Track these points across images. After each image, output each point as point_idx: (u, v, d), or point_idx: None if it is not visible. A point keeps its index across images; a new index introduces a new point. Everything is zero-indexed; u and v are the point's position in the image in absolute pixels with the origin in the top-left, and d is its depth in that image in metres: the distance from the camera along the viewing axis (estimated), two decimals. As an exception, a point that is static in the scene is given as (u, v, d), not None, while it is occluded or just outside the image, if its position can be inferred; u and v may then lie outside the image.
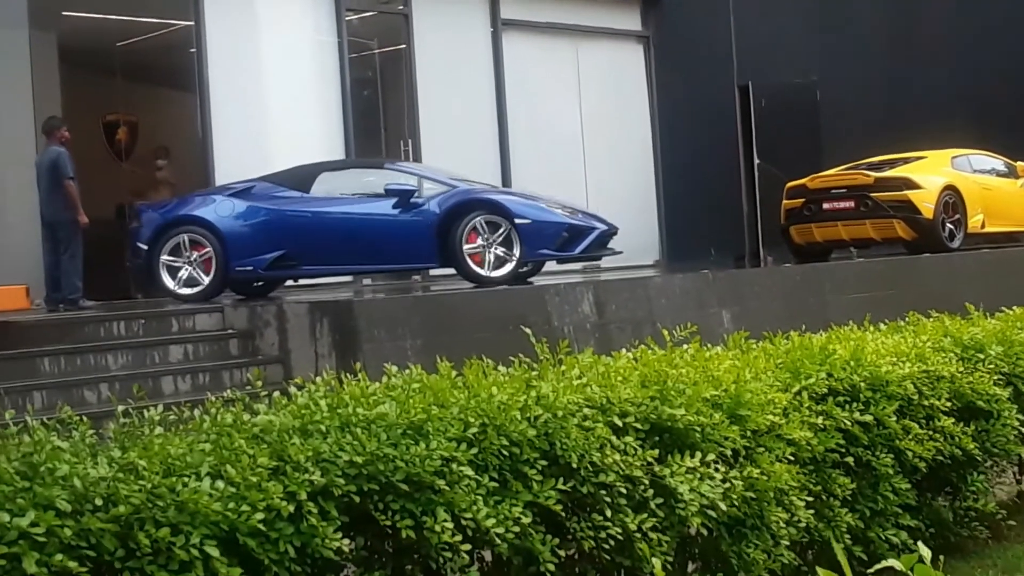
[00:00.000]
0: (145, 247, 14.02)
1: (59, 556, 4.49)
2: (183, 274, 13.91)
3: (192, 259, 13.88)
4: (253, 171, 15.53)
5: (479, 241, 13.65)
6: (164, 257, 13.93)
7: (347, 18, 18.63)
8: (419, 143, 19.20)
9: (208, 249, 13.83)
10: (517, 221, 13.72)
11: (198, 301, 13.42)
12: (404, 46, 19.48)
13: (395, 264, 14.84)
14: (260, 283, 14.69)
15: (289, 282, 15.50)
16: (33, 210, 14.59)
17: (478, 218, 13.69)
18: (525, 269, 14.70)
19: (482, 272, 13.68)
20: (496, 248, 13.69)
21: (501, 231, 13.67)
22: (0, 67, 16.68)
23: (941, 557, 6.85)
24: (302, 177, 14.67)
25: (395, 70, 19.76)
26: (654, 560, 5.18)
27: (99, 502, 4.72)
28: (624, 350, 7.44)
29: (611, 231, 14.66)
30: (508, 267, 13.75)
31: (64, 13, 17.99)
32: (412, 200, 13.96)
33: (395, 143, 19.38)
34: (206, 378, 11.69)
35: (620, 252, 15.22)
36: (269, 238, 13.96)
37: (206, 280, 13.83)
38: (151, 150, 19.95)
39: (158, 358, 11.92)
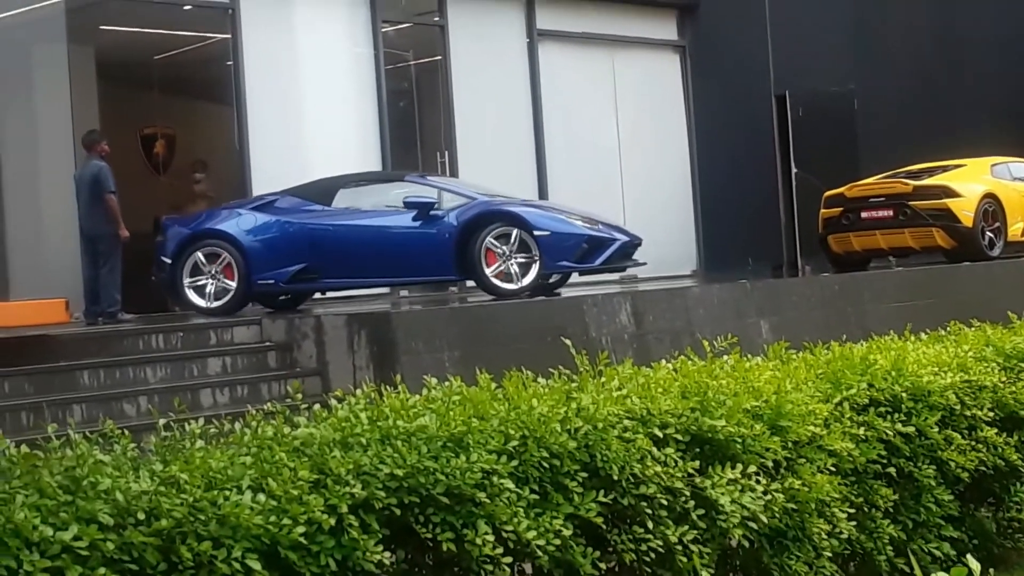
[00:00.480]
0: (169, 261, 14.09)
1: (102, 570, 4.50)
2: (208, 288, 13.99)
3: (215, 272, 13.94)
4: (290, 183, 15.58)
5: (499, 253, 13.63)
6: (187, 272, 14.02)
7: (383, 30, 18.66)
8: (455, 155, 19.22)
9: (230, 262, 13.88)
10: (536, 233, 13.67)
11: (221, 315, 13.47)
12: (440, 57, 19.51)
13: (415, 277, 14.84)
14: (287, 296, 14.72)
15: (319, 295, 15.53)
16: (72, 224, 14.66)
17: (497, 230, 13.67)
18: (553, 280, 14.70)
19: (501, 284, 13.64)
20: (516, 260, 13.65)
21: (522, 243, 13.63)
22: (39, 81, 16.82)
23: (991, 571, 6.80)
24: (324, 190, 14.74)
25: (431, 81, 19.78)
26: (703, 573, 5.12)
27: (141, 516, 4.73)
28: (663, 361, 7.42)
29: (633, 242, 14.59)
30: (528, 279, 13.69)
31: (102, 27, 18.10)
32: (432, 212, 13.97)
33: (431, 155, 19.40)
34: (244, 391, 11.71)
35: (644, 263, 15.14)
36: (291, 251, 14.01)
37: (228, 294, 13.89)
38: (189, 163, 20.02)
39: (196, 371, 11.94)
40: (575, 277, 15.43)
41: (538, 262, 13.66)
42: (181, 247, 14.06)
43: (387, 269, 14.23)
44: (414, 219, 13.98)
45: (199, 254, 14.02)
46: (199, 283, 14.01)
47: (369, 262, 14.11)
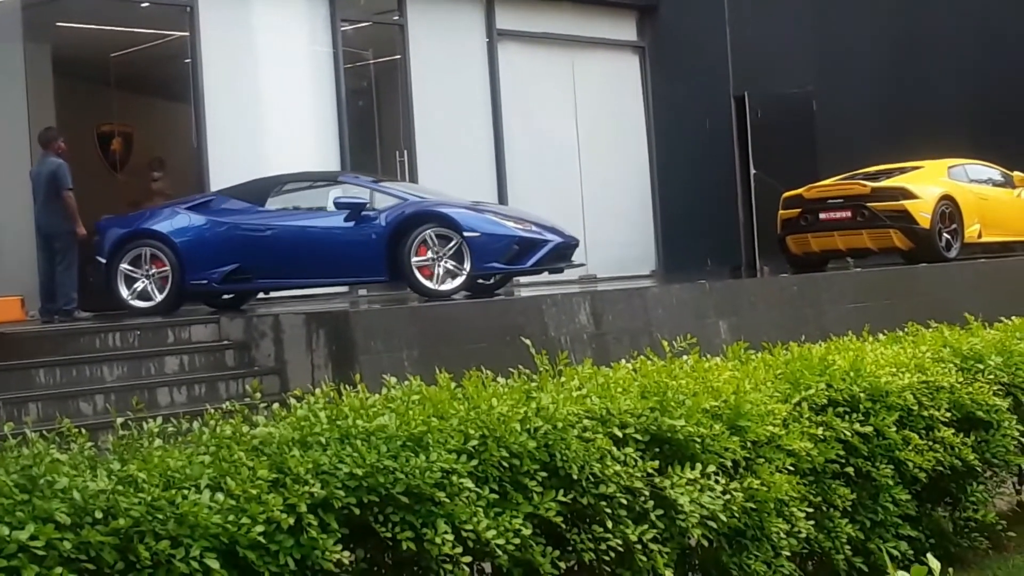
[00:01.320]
0: (104, 261, 14.13)
1: (58, 569, 4.46)
2: (138, 286, 14.03)
3: (149, 272, 13.94)
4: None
5: (429, 254, 13.58)
6: (123, 266, 14.04)
7: (342, 28, 18.63)
8: (415, 154, 19.19)
9: (164, 262, 13.89)
10: (466, 234, 13.57)
11: (154, 314, 13.49)
12: (399, 56, 19.49)
13: (346, 278, 14.87)
14: (230, 296, 14.75)
15: (270, 294, 15.54)
16: (29, 221, 14.57)
17: (427, 231, 13.61)
18: (492, 282, 14.70)
19: (431, 286, 13.57)
20: (446, 261, 13.60)
21: (451, 244, 13.56)
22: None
23: (950, 570, 6.83)
24: (258, 190, 14.77)
25: (390, 81, 19.76)
26: (667, 572, 5.12)
27: (99, 515, 4.69)
28: (623, 361, 7.43)
29: (568, 243, 14.50)
30: (458, 280, 13.62)
31: (59, 24, 17.98)
32: (363, 214, 13.93)
33: (390, 154, 19.38)
34: (202, 389, 11.66)
35: (581, 264, 15.14)
36: (224, 252, 14.04)
37: (162, 294, 13.94)
38: (146, 161, 19.91)
39: (154, 369, 11.89)
40: (536, 276, 15.41)
41: (468, 263, 13.60)
42: (116, 247, 14.07)
43: (318, 270, 14.21)
44: (345, 220, 13.95)
45: (133, 254, 14.05)
46: (134, 283, 14.04)
47: (301, 263, 14.10)
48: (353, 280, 15.27)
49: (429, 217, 13.74)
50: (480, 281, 14.51)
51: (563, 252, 14.54)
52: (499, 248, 13.77)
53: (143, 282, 13.99)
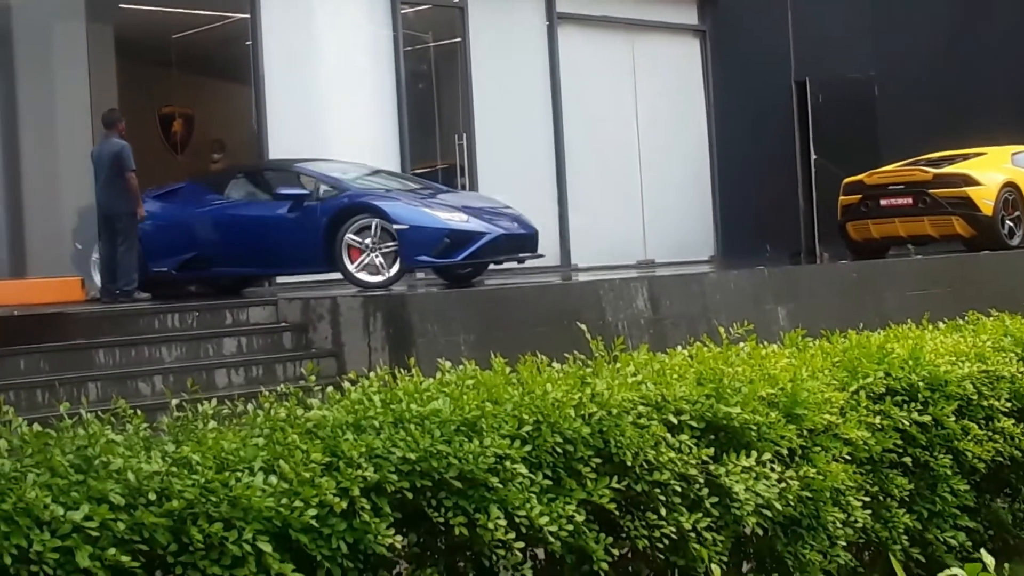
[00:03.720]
0: (79, 246, 14.61)
1: (112, 550, 4.48)
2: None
3: None
4: (308, 164, 15.55)
5: (362, 246, 13.57)
6: (94, 256, 14.43)
7: (402, 11, 18.62)
8: (473, 137, 19.17)
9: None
10: (396, 226, 13.52)
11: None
12: (459, 39, 19.46)
13: (292, 268, 14.91)
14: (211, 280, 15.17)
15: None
16: (90, 201, 14.67)
17: (359, 222, 13.61)
18: (466, 272, 14.64)
19: (363, 277, 13.58)
20: (379, 253, 13.58)
21: (384, 236, 13.53)
22: (58, 59, 16.82)
23: (1005, 565, 6.77)
24: (221, 179, 15.11)
25: (450, 63, 19.74)
26: (713, 567, 5.09)
27: (152, 496, 4.72)
28: (679, 347, 7.39)
29: (511, 234, 14.24)
30: (391, 272, 13.60)
31: (121, 5, 18.09)
32: (305, 204, 13.98)
33: (449, 137, 19.37)
34: (259, 371, 11.71)
35: (541, 255, 15.00)
36: (183, 240, 14.38)
37: None
38: (207, 142, 20.01)
39: (212, 351, 11.94)
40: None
41: (399, 255, 13.57)
42: (89, 234, 14.42)
43: (266, 260, 14.39)
44: (289, 211, 14.05)
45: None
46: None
47: (250, 252, 14.30)
48: (298, 270, 15.24)
49: (361, 208, 13.74)
50: (458, 271, 14.56)
51: (512, 244, 14.35)
52: (427, 241, 13.62)
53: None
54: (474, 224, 13.90)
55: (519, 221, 14.55)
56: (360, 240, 13.56)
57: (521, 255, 14.75)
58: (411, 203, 13.96)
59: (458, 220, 13.85)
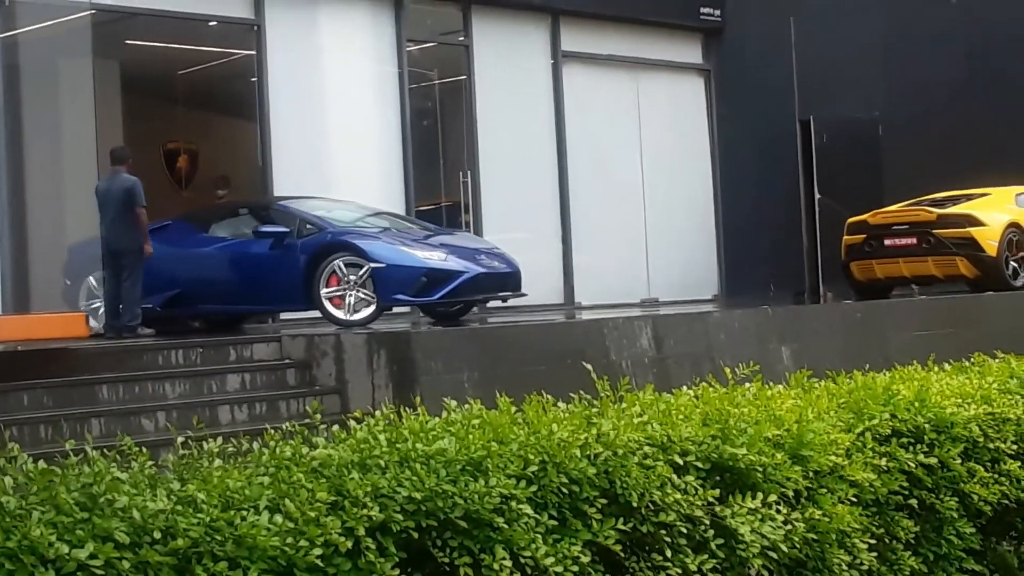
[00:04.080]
0: (68, 283, 14.70)
1: (117, 589, 4.47)
2: (97, 306, 14.38)
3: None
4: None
5: (340, 284, 13.61)
6: (82, 294, 14.68)
7: (408, 48, 18.68)
8: (478, 174, 19.21)
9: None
10: (373, 265, 13.56)
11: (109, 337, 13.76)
12: (464, 77, 19.51)
13: (271, 306, 14.97)
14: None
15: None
16: (82, 237, 14.72)
17: (337, 261, 13.65)
18: (456, 308, 14.63)
19: (340, 315, 13.62)
20: (357, 291, 13.61)
21: (361, 274, 13.57)
22: (64, 94, 16.84)
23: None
24: (208, 217, 15.22)
25: (455, 101, 19.79)
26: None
27: (158, 535, 4.71)
28: (684, 387, 7.38)
29: (493, 273, 14.23)
30: (368, 311, 13.61)
31: (128, 41, 18.14)
32: (286, 242, 14.05)
33: (454, 174, 19.40)
34: (263, 408, 11.67)
35: (524, 294, 14.96)
36: (169, 277, 14.38)
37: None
38: (211, 178, 20.04)
39: (215, 387, 11.91)
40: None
41: (376, 294, 13.61)
42: (78, 270, 14.39)
43: (247, 297, 14.42)
44: (271, 248, 14.10)
45: (91, 278, 14.48)
46: (92, 305, 14.48)
47: (232, 290, 14.38)
48: (278, 308, 15.29)
49: (340, 247, 13.79)
50: (440, 309, 14.58)
51: (493, 283, 14.36)
52: (406, 279, 13.63)
53: (100, 304, 14.34)
54: (452, 263, 13.90)
55: (502, 259, 14.58)
56: (338, 279, 13.61)
57: (503, 294, 14.77)
58: (389, 241, 13.99)
59: (436, 259, 13.86)
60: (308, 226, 14.25)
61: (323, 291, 13.63)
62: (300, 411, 11.32)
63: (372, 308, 13.58)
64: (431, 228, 15.35)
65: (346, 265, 13.61)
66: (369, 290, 13.56)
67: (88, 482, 4.87)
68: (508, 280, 14.56)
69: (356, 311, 13.58)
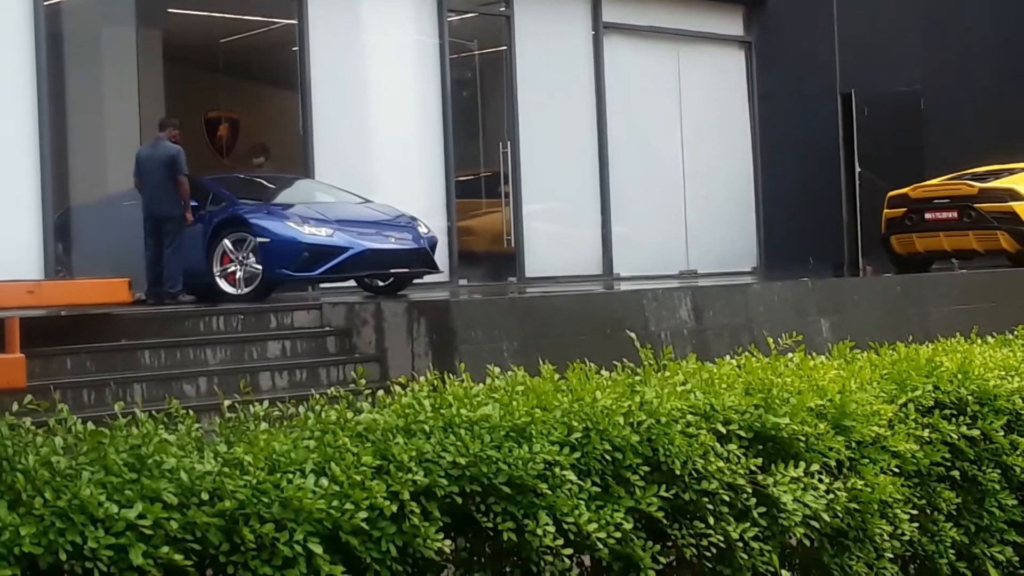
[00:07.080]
0: None
1: (165, 548, 4.50)
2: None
3: None
4: (352, 170, 15.64)
5: (232, 259, 13.82)
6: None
7: (449, 19, 18.66)
8: (518, 145, 19.20)
9: None
10: (259, 240, 13.70)
11: None
12: (505, 48, 19.50)
13: (195, 277, 14.85)
14: None
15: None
16: (137, 204, 14.77)
17: (231, 235, 13.87)
18: (387, 283, 14.69)
19: (228, 289, 13.83)
20: (247, 266, 13.80)
21: (245, 247, 13.78)
22: (108, 64, 16.91)
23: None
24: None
25: (495, 72, 19.77)
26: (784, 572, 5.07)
27: (205, 496, 4.74)
28: (725, 357, 7.37)
29: (379, 250, 14.16)
30: (252, 286, 13.78)
31: (170, 10, 18.19)
32: (200, 215, 14.34)
33: (493, 145, 19.40)
34: (303, 374, 11.75)
35: (434, 271, 15.02)
36: None
37: None
38: (251, 147, 20.10)
39: (256, 354, 11.99)
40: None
41: (261, 268, 13.75)
42: None
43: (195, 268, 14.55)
44: (196, 222, 14.31)
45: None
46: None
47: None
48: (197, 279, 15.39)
49: (232, 222, 14.02)
50: (380, 283, 14.69)
51: (386, 259, 14.31)
52: (287, 255, 13.75)
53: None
54: (337, 239, 13.93)
55: (412, 235, 14.54)
56: (234, 252, 13.85)
57: (407, 271, 14.64)
58: (276, 217, 14.08)
59: (322, 235, 13.91)
60: (220, 200, 14.58)
61: (216, 268, 13.94)
62: (340, 378, 11.40)
63: (257, 283, 13.78)
64: (358, 202, 15.22)
65: (234, 241, 13.85)
66: (257, 264, 13.77)
67: (136, 443, 4.91)
68: (409, 256, 14.48)
69: (243, 286, 13.84)
